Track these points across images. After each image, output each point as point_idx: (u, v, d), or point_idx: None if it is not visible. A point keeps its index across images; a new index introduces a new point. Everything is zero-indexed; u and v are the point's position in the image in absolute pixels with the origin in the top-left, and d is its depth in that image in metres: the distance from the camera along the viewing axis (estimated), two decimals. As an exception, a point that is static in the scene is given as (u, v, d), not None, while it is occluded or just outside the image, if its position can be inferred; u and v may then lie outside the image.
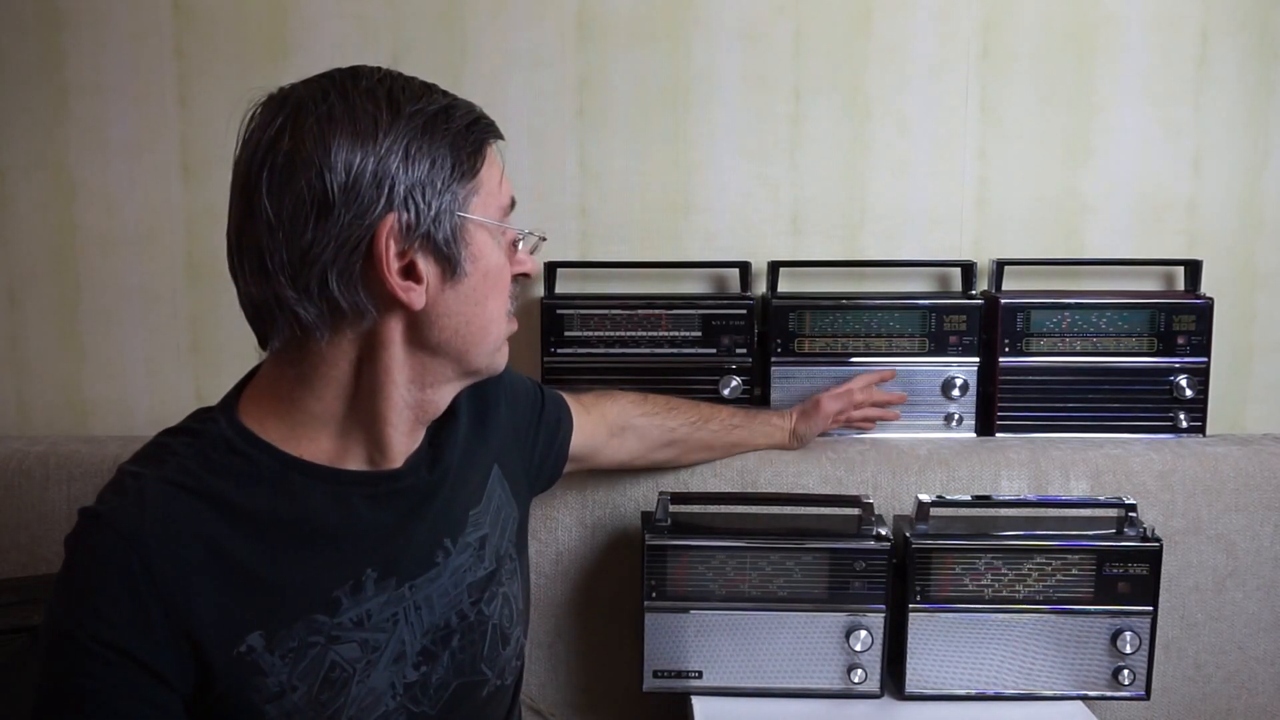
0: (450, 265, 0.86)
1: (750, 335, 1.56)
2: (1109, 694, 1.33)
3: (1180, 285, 1.65)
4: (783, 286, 1.61)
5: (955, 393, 1.56)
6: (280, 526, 0.87)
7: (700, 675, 1.34)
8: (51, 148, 1.65)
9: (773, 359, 1.56)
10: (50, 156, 1.65)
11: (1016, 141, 1.65)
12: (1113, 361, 1.57)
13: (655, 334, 1.57)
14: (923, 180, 1.65)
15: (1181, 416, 1.57)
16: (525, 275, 0.96)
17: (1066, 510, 1.42)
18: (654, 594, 1.32)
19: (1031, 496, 1.46)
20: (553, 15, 1.62)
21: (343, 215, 0.81)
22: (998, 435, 1.58)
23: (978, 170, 1.65)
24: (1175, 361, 1.57)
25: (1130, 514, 1.34)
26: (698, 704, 1.32)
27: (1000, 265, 1.61)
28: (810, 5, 1.62)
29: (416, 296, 0.86)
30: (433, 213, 0.84)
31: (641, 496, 1.45)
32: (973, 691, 1.33)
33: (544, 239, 1.00)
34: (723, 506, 1.42)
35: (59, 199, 1.66)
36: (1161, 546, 1.31)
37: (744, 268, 1.61)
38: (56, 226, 1.66)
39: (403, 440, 0.93)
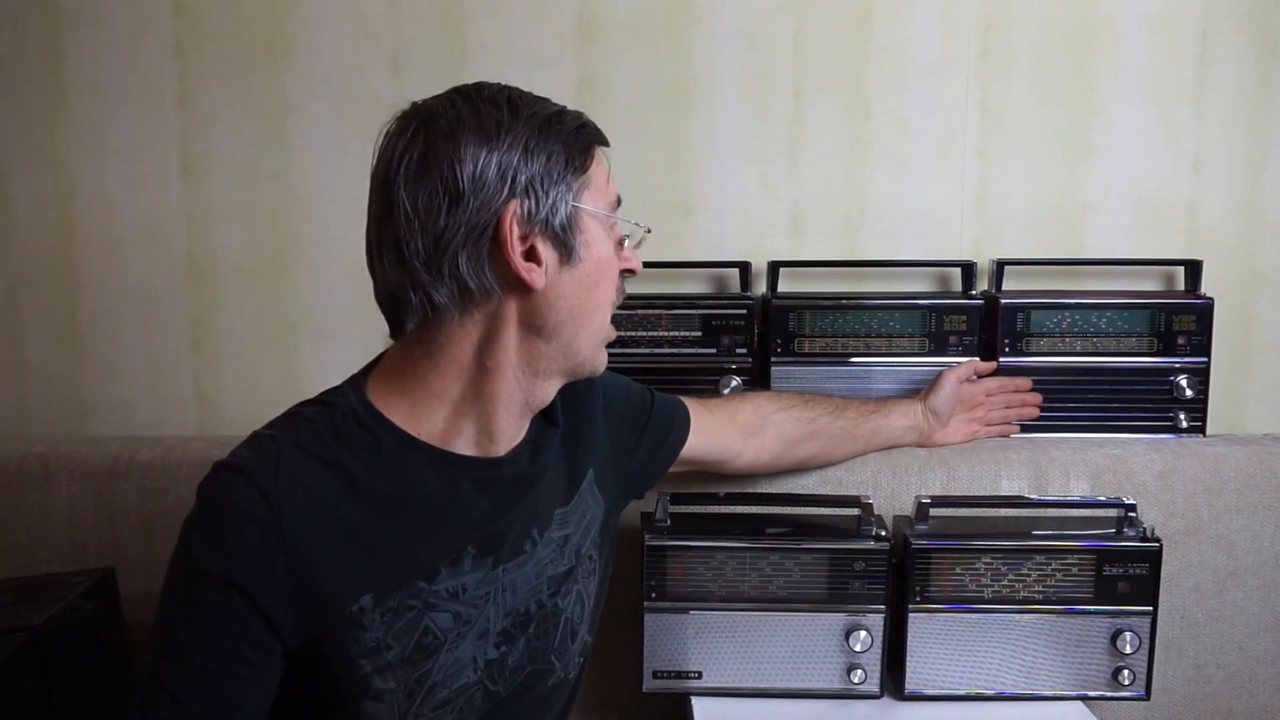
0: (566, 249, 0.95)
1: (750, 335, 1.56)
2: (1109, 694, 1.33)
3: (1180, 285, 1.65)
4: (783, 286, 1.61)
5: (955, 393, 1.56)
6: (393, 499, 0.94)
7: (700, 676, 1.34)
8: (51, 148, 1.65)
9: (773, 359, 1.56)
10: (50, 156, 1.65)
11: (1016, 141, 1.65)
12: (1113, 361, 1.57)
13: (655, 334, 1.57)
14: (923, 180, 1.65)
15: (1181, 416, 1.57)
16: (630, 272, 1.03)
17: (1066, 510, 1.42)
18: (654, 594, 1.32)
19: (1031, 496, 1.46)
20: (553, 15, 1.62)
21: (471, 203, 0.91)
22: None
23: (978, 170, 1.65)
24: (1175, 361, 1.57)
25: (1130, 514, 1.34)
26: (698, 704, 1.32)
27: (1000, 265, 1.61)
28: (810, 5, 1.62)
29: (537, 276, 0.93)
30: (550, 201, 0.93)
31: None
32: (972, 691, 1.33)
33: (649, 231, 1.06)
34: (723, 506, 1.42)
35: (59, 199, 1.66)
36: (1161, 546, 1.31)
37: (744, 268, 1.61)
38: (56, 226, 1.66)
39: (509, 426, 1.00)
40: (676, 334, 1.57)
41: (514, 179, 0.92)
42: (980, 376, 1.55)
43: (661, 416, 1.22)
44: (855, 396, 1.49)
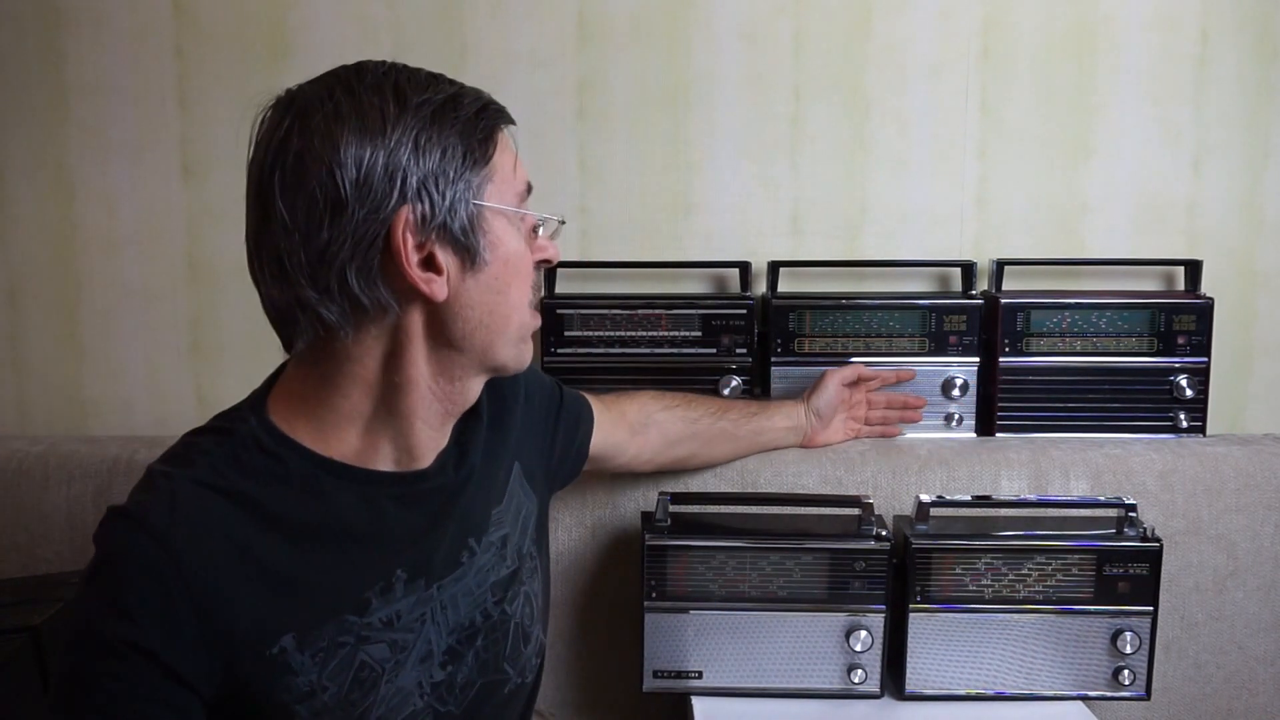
0: (469, 254, 0.86)
1: (750, 335, 1.56)
2: (1109, 694, 1.33)
3: (1180, 285, 1.65)
4: (783, 286, 1.60)
5: (955, 393, 1.56)
6: (310, 528, 0.87)
7: (700, 675, 1.34)
8: (51, 148, 1.65)
9: (773, 359, 1.56)
10: (50, 156, 1.65)
11: (1016, 141, 1.64)
12: (1113, 361, 1.57)
13: (655, 334, 1.57)
14: (923, 180, 1.65)
15: (1181, 416, 1.57)
16: (547, 262, 0.95)
17: (1066, 510, 1.42)
18: (654, 594, 1.32)
19: (1031, 496, 1.46)
20: (553, 15, 1.62)
21: (357, 212, 0.81)
22: (998, 435, 1.58)
23: (978, 170, 1.65)
24: (1175, 361, 1.57)
25: (1130, 514, 1.34)
26: (698, 704, 1.32)
27: (1000, 265, 1.61)
28: (810, 5, 1.62)
29: (438, 288, 0.85)
30: (447, 202, 0.84)
31: (641, 496, 1.45)
32: (973, 691, 1.33)
33: (563, 222, 0.98)
34: (723, 506, 1.42)
35: (59, 199, 1.66)
36: (1161, 546, 1.31)
37: (744, 268, 1.61)
38: (56, 226, 1.66)
39: (430, 437, 0.93)
40: (676, 334, 1.57)
41: (404, 181, 0.82)
42: (864, 381, 1.54)
43: (570, 410, 1.19)
44: (739, 400, 1.51)
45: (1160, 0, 1.62)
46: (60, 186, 1.66)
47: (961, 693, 1.33)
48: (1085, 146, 1.65)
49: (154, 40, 1.63)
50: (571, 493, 1.45)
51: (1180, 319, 1.56)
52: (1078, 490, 1.46)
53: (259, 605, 0.83)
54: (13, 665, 1.18)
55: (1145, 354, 1.57)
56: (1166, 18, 1.62)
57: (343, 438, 0.89)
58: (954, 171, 1.65)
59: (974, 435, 1.58)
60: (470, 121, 0.86)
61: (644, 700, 1.37)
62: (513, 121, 0.92)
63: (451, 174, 0.84)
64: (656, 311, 1.56)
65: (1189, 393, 1.56)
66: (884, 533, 1.32)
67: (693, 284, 1.67)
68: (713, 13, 1.62)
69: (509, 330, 0.91)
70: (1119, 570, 1.31)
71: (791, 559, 1.31)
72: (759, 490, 1.46)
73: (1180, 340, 1.56)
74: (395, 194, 0.82)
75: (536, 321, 0.96)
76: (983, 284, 1.62)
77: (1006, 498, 1.45)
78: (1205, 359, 1.57)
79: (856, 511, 1.34)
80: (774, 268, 1.60)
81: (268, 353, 1.67)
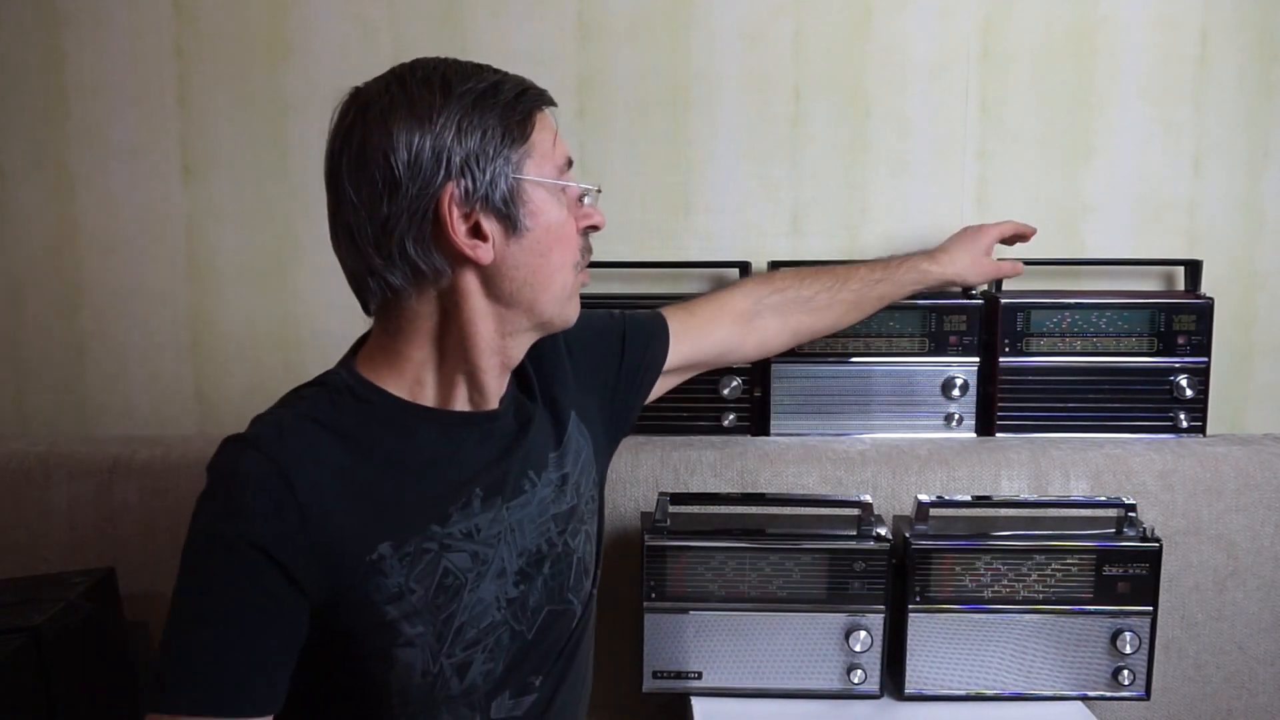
0: (511, 222, 0.97)
1: (750, 335, 1.56)
2: (1109, 694, 1.33)
3: (1180, 285, 1.65)
4: (783, 286, 1.60)
5: (955, 393, 1.56)
6: (399, 457, 0.98)
7: (700, 676, 1.34)
8: (51, 148, 1.65)
9: (773, 359, 1.56)
10: (50, 156, 1.65)
11: (1016, 141, 1.64)
12: (1113, 361, 1.57)
13: (655, 334, 1.56)
14: (923, 180, 1.65)
15: (1181, 416, 1.57)
16: (594, 227, 1.05)
17: (1066, 510, 1.42)
18: (653, 594, 1.32)
19: (1031, 496, 1.46)
20: (553, 15, 1.62)
21: (410, 189, 0.93)
22: (997, 435, 1.58)
23: (978, 170, 1.65)
24: (1175, 361, 1.56)
25: (1130, 514, 1.34)
26: (697, 705, 1.32)
27: (1000, 265, 1.60)
28: (810, 5, 1.62)
29: (484, 252, 0.96)
30: (488, 177, 0.95)
31: (641, 496, 1.45)
32: (972, 692, 1.33)
33: (599, 190, 1.07)
34: (722, 507, 1.42)
35: (59, 199, 1.66)
36: (1161, 547, 1.31)
37: (744, 268, 1.61)
38: (56, 226, 1.66)
39: (494, 383, 1.03)
40: (676, 334, 1.56)
41: (449, 160, 0.93)
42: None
43: (637, 334, 1.25)
44: (859, 264, 1.45)
45: (1160, 0, 1.62)
46: (60, 186, 1.66)
47: (961, 693, 1.33)
48: (1085, 146, 1.65)
49: (154, 40, 1.63)
50: (571, 493, 1.45)
51: (1180, 319, 1.56)
52: (1078, 490, 1.46)
53: (357, 518, 0.94)
54: (13, 665, 1.18)
55: (1145, 354, 1.57)
56: (1166, 18, 1.62)
57: (422, 384, 1.01)
58: (954, 171, 1.65)
59: (974, 435, 1.58)
60: (509, 105, 0.96)
61: (644, 700, 1.37)
62: (554, 103, 1.01)
63: (491, 152, 0.95)
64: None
65: (1189, 393, 1.56)
66: (884, 533, 1.33)
67: (693, 284, 1.67)
68: (713, 13, 1.62)
69: (553, 288, 1.01)
70: (1119, 570, 1.31)
71: (791, 559, 1.31)
72: (759, 490, 1.46)
73: (1180, 340, 1.56)
74: (441, 172, 0.93)
75: (585, 279, 1.06)
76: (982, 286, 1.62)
77: (1006, 498, 1.45)
78: (1205, 359, 1.56)
79: (856, 511, 1.34)
80: (774, 268, 1.60)
81: (268, 353, 1.69)
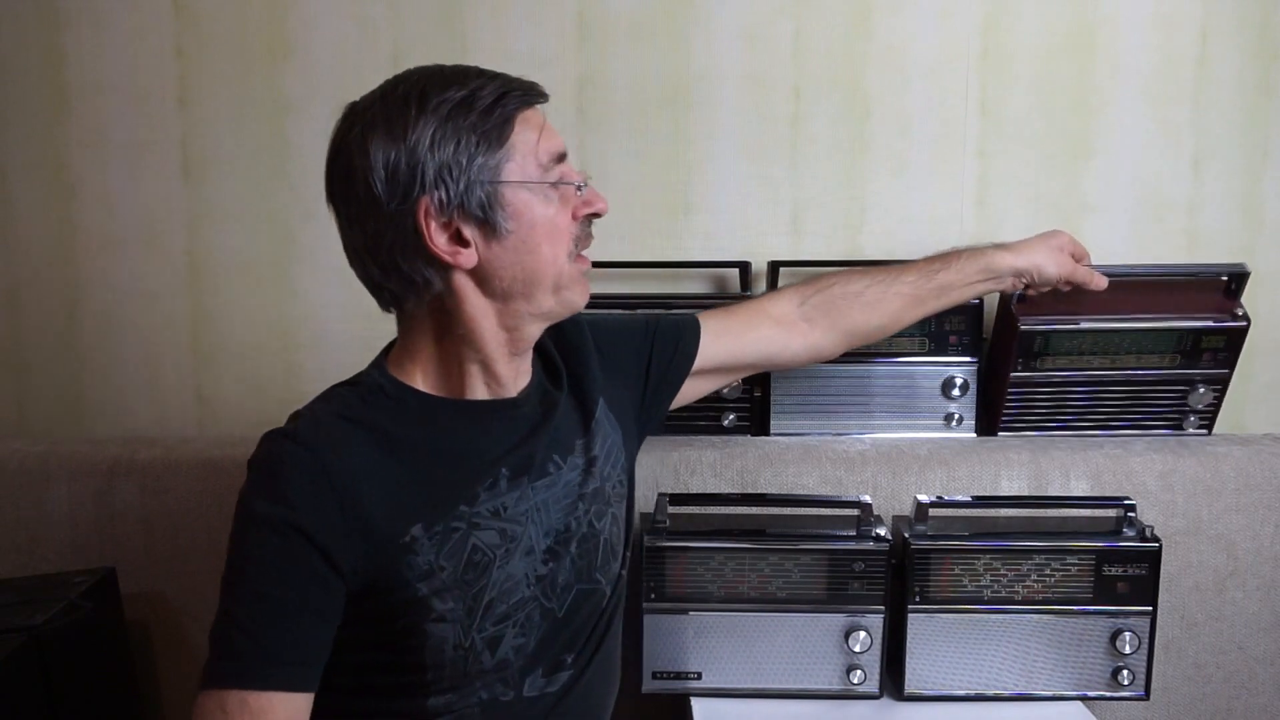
0: (490, 226, 1.00)
1: (750, 335, 1.56)
2: (1108, 694, 1.33)
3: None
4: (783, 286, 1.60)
5: (955, 392, 1.56)
6: (426, 444, 1.03)
7: (699, 676, 1.34)
8: (51, 148, 1.65)
9: (772, 359, 1.56)
10: (50, 156, 1.65)
11: (1016, 141, 1.64)
12: (1129, 374, 1.53)
13: (655, 334, 1.56)
14: (923, 180, 1.65)
15: (1191, 419, 1.56)
16: (596, 214, 1.07)
17: (1066, 510, 1.42)
18: (653, 595, 1.32)
19: (1032, 496, 1.46)
20: (553, 15, 1.62)
21: (390, 204, 0.97)
22: (998, 435, 1.57)
23: (978, 170, 1.65)
24: (1197, 373, 1.53)
25: (1130, 514, 1.34)
26: (697, 705, 1.32)
27: (1000, 265, 1.60)
28: (810, 5, 1.62)
29: (466, 258, 1.00)
30: (462, 186, 0.98)
31: (641, 497, 1.45)
32: (972, 692, 1.33)
33: (589, 178, 1.08)
34: (722, 508, 1.42)
35: (59, 199, 1.66)
36: (1161, 546, 1.31)
37: (744, 268, 1.61)
38: (56, 226, 1.67)
39: (509, 370, 1.08)
40: (676, 334, 1.56)
41: (423, 173, 0.97)
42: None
43: (667, 333, 1.27)
44: (919, 260, 1.37)
45: (1160, 0, 1.62)
46: (60, 186, 1.66)
47: (961, 693, 1.33)
48: (1085, 146, 1.65)
49: (154, 40, 1.63)
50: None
51: (1209, 339, 1.51)
52: (1078, 490, 1.46)
53: (390, 504, 0.99)
54: (13, 665, 1.18)
55: (1166, 368, 1.53)
56: (1166, 18, 1.62)
57: (445, 376, 1.07)
58: (954, 171, 1.65)
59: (974, 435, 1.58)
60: (486, 111, 0.99)
61: (643, 701, 1.37)
62: (543, 97, 1.04)
63: (465, 161, 0.98)
64: (657, 312, 1.56)
65: (1206, 400, 1.54)
66: (883, 533, 1.33)
67: (693, 284, 1.67)
68: (713, 13, 1.62)
69: (546, 281, 1.04)
70: (1118, 570, 1.31)
71: (791, 560, 1.31)
72: (759, 490, 1.46)
73: (1206, 357, 1.52)
74: (417, 186, 0.97)
75: (585, 265, 1.08)
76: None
77: (1006, 497, 1.45)
78: (1228, 370, 1.53)
79: (856, 512, 1.34)
80: (774, 268, 1.60)
81: (268, 353, 1.69)
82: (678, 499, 1.36)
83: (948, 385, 1.56)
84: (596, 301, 1.55)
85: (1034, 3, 1.62)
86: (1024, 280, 1.36)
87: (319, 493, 0.96)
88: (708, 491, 1.45)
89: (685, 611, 1.33)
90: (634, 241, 1.65)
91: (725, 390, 1.55)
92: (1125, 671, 1.32)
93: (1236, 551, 1.46)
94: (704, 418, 1.58)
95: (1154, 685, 1.34)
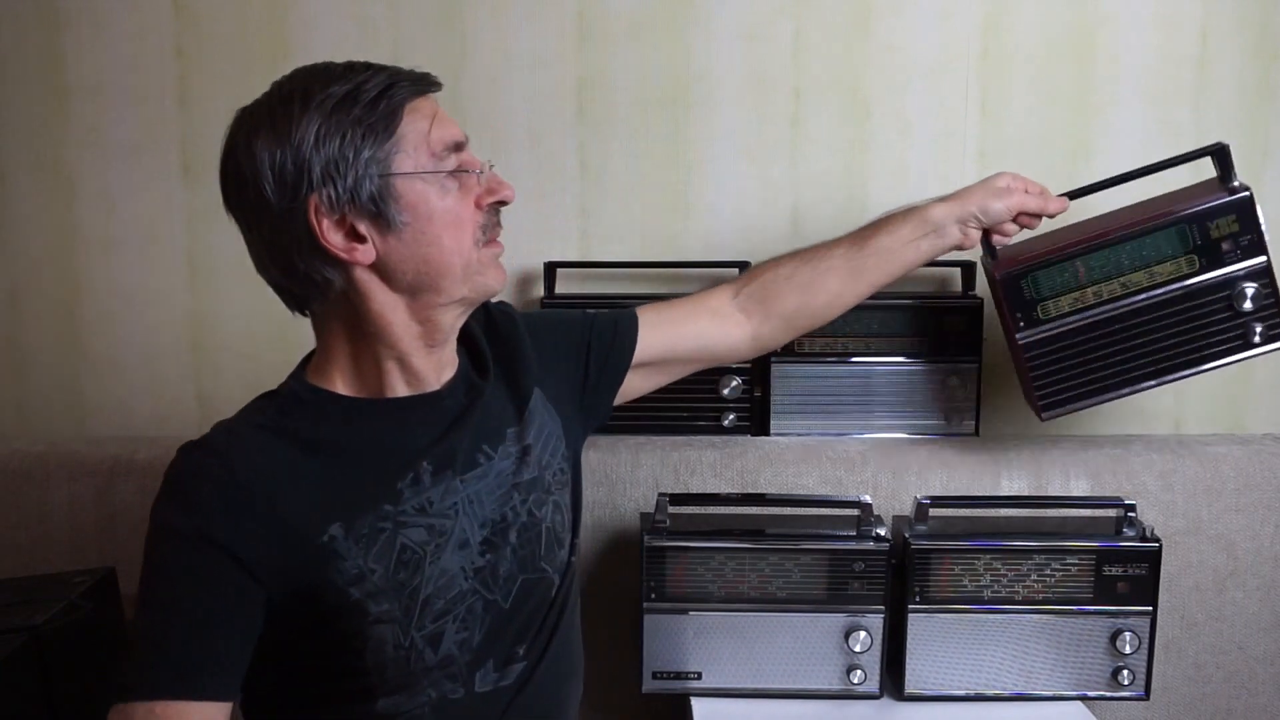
0: (385, 220, 0.98)
1: (750, 335, 1.56)
2: (1108, 694, 1.33)
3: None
4: (783, 286, 1.60)
5: (956, 393, 1.56)
6: (343, 445, 1.02)
7: (699, 676, 1.34)
8: (51, 148, 1.65)
9: (772, 359, 1.56)
10: (50, 156, 1.65)
11: (1016, 141, 1.64)
12: (1154, 295, 1.30)
13: (655, 334, 1.56)
14: (923, 180, 1.65)
15: (1256, 329, 1.30)
16: (501, 203, 1.05)
17: (1066, 510, 1.42)
18: (653, 595, 1.32)
19: (1032, 496, 1.46)
20: (553, 15, 1.62)
21: (279, 205, 0.96)
22: (999, 435, 1.57)
23: (978, 170, 1.65)
24: (1234, 270, 1.29)
25: (1130, 514, 1.34)
26: (697, 705, 1.32)
27: (1000, 265, 1.59)
28: (810, 5, 1.62)
29: (362, 254, 0.98)
30: (350, 181, 0.96)
31: (641, 497, 1.46)
32: (972, 692, 1.33)
33: (491, 165, 1.05)
34: (722, 508, 1.42)
35: (59, 199, 1.66)
36: (1161, 546, 1.31)
37: (744, 268, 1.61)
38: (56, 226, 1.66)
39: (428, 363, 1.06)
40: (676, 334, 1.56)
41: (309, 171, 0.95)
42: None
43: (604, 324, 1.25)
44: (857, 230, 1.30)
45: (1160, 0, 1.62)
46: (60, 186, 1.66)
47: (961, 693, 1.33)
48: (1085, 146, 1.65)
49: (154, 40, 1.63)
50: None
51: (1219, 224, 1.27)
52: (1078, 490, 1.46)
53: (306, 506, 0.97)
54: (13, 665, 1.18)
55: (1194, 274, 1.29)
56: (1166, 18, 1.62)
57: (363, 378, 1.05)
58: (954, 172, 1.65)
59: (974, 435, 1.58)
60: (370, 105, 0.97)
61: (643, 701, 1.37)
62: (434, 87, 1.02)
63: (351, 156, 0.96)
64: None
65: (1255, 301, 1.29)
66: (883, 533, 1.33)
67: (693, 284, 1.66)
68: (713, 13, 1.62)
69: (452, 271, 1.02)
70: (1118, 570, 1.31)
71: (791, 560, 1.31)
72: (759, 490, 1.46)
73: (1227, 247, 1.28)
74: (304, 184, 0.95)
75: (497, 249, 1.06)
76: (983, 284, 1.62)
77: (1006, 497, 1.45)
78: (1265, 258, 1.28)
79: (856, 512, 1.34)
80: (774, 268, 1.59)
81: (267, 352, 1.68)
82: (678, 499, 1.36)
83: (947, 385, 1.56)
84: (598, 302, 1.56)
85: (1034, 3, 1.62)
86: (971, 226, 1.28)
87: (230, 501, 0.95)
88: (708, 491, 1.45)
89: (685, 611, 1.33)
90: (634, 241, 1.65)
91: (726, 391, 1.55)
92: (1125, 671, 1.32)
93: (1236, 551, 1.47)
94: (704, 418, 1.58)
95: (1154, 685, 1.34)
